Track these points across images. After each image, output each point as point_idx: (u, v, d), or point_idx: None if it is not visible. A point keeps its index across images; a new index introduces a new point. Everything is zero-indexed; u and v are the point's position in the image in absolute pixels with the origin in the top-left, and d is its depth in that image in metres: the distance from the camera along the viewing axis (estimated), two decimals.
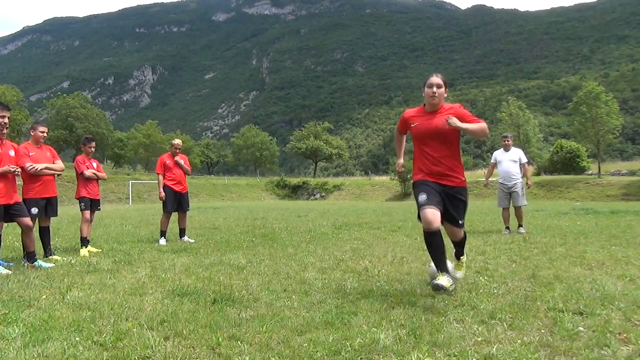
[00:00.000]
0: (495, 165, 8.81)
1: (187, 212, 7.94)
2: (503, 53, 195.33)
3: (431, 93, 3.52)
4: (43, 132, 5.86)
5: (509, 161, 8.47)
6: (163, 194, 7.55)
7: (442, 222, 3.49)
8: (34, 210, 5.57)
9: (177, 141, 7.89)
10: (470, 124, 3.43)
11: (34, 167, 5.53)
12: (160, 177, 7.66)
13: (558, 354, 2.36)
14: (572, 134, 44.02)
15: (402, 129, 3.83)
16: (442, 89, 3.54)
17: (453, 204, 3.58)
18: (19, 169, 5.18)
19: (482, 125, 3.48)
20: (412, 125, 3.63)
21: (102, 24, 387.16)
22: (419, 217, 3.48)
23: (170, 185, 7.62)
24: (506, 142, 8.56)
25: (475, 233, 8.41)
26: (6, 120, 4.95)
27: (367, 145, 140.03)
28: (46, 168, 5.74)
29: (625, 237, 7.17)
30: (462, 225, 3.66)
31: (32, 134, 5.88)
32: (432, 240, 3.39)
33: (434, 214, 3.32)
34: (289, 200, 43.48)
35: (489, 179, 9.22)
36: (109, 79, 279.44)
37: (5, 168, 4.93)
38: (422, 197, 3.42)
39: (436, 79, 3.55)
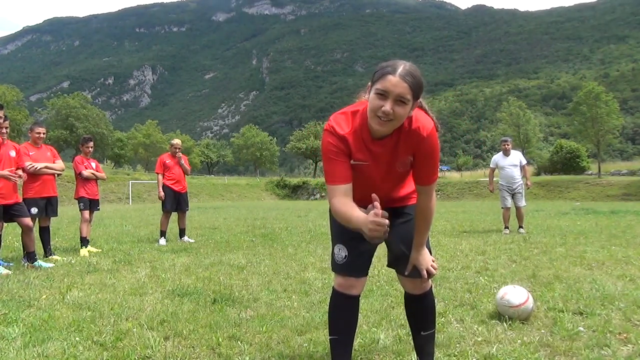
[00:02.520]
0: (494, 169, 8.86)
1: (187, 212, 7.95)
2: (503, 53, 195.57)
3: (383, 113, 1.68)
4: (39, 133, 5.85)
5: (511, 166, 8.49)
6: (162, 193, 7.56)
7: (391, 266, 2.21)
8: (34, 210, 5.56)
9: (177, 141, 7.90)
10: (423, 236, 1.98)
11: (33, 166, 5.53)
12: (160, 176, 7.66)
13: (558, 354, 2.36)
14: (572, 134, 44.07)
15: (345, 149, 1.83)
16: (408, 106, 1.69)
17: (403, 230, 2.02)
18: (18, 176, 5.04)
19: (430, 222, 1.98)
20: (352, 163, 1.86)
21: (102, 24, 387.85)
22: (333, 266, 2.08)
23: (170, 185, 7.62)
24: (506, 146, 8.55)
25: (475, 233, 8.42)
26: (1, 114, 4.90)
27: None
28: (46, 167, 5.74)
29: (625, 237, 7.17)
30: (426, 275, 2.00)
31: (29, 135, 5.89)
32: (343, 308, 2.04)
33: (355, 283, 2.06)
34: (289, 200, 43.46)
35: (492, 184, 9.26)
36: (109, 79, 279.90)
37: (6, 173, 4.88)
38: (341, 253, 2.02)
39: (400, 83, 1.65)
